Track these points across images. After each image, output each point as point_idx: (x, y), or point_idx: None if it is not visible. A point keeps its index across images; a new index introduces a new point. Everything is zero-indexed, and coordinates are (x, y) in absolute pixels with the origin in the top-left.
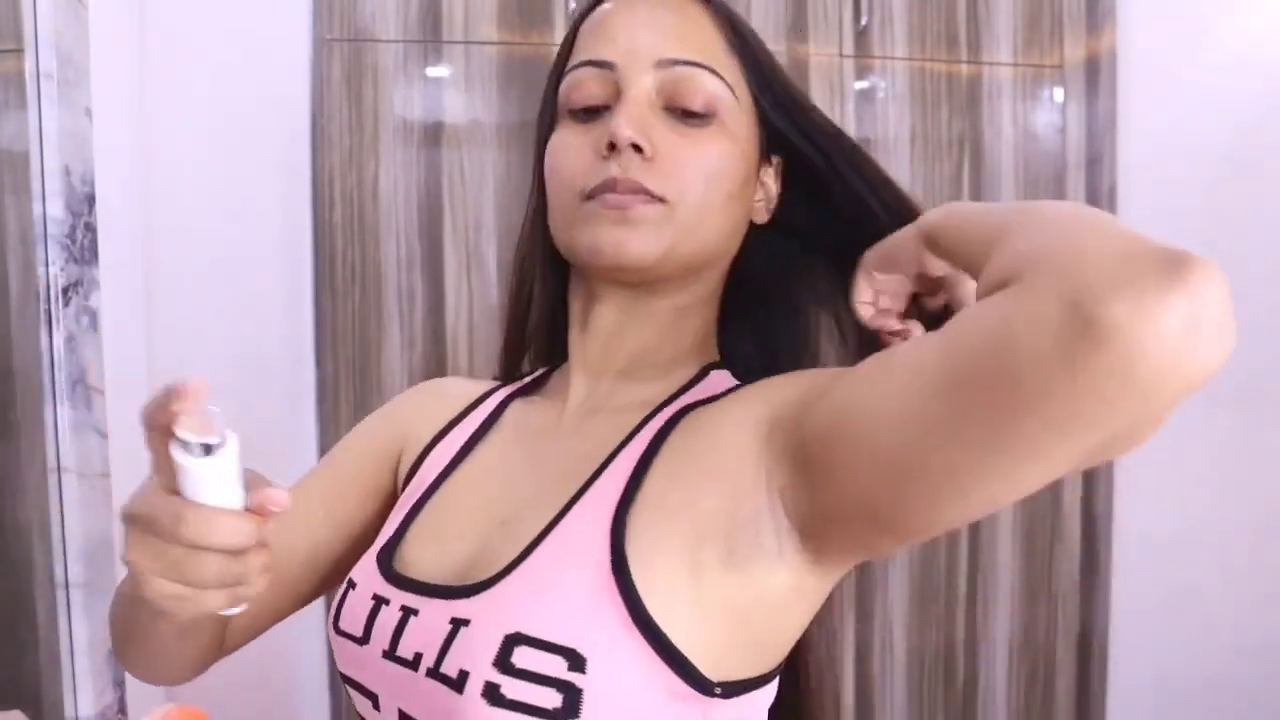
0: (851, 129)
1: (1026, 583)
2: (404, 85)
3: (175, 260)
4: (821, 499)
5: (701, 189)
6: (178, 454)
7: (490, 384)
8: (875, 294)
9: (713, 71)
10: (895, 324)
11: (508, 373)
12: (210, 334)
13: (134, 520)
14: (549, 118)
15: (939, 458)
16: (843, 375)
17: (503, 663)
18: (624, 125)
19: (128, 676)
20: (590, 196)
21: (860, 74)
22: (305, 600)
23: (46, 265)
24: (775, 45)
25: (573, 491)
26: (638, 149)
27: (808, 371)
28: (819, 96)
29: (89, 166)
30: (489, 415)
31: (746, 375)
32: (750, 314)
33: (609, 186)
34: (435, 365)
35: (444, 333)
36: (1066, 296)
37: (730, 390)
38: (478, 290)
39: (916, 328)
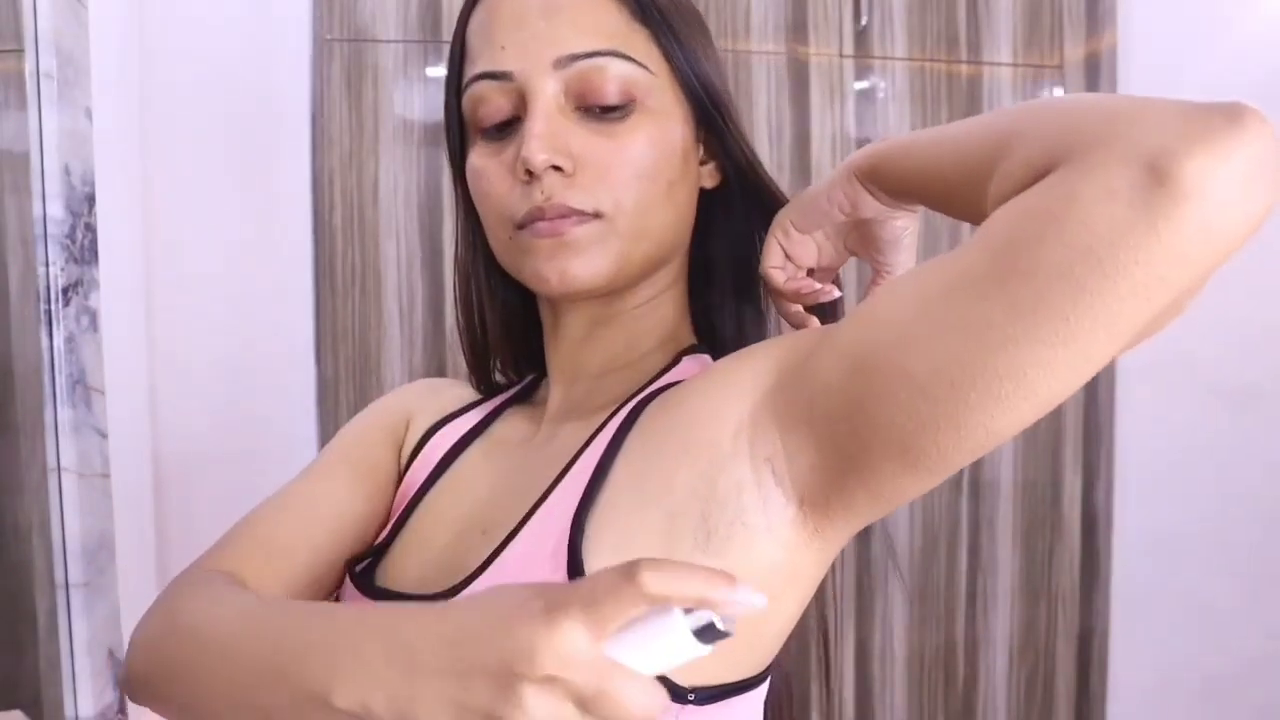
0: (851, 129)
1: (1026, 583)
2: (404, 85)
3: (175, 260)
4: (839, 451)
5: (636, 190)
6: (671, 621)
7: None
8: (786, 256)
9: (618, 55)
10: (813, 285)
11: (484, 386)
12: (210, 334)
13: (581, 619)
14: (458, 134)
15: (1002, 361)
16: (833, 328)
17: None
18: (535, 149)
19: None
20: (521, 226)
21: (860, 74)
22: None
23: (46, 265)
24: (775, 45)
25: (539, 493)
26: (557, 168)
27: (779, 337)
28: (819, 96)
29: (89, 166)
30: (477, 424)
31: (724, 352)
32: (720, 286)
33: (536, 215)
34: (435, 365)
35: (444, 333)
36: (1141, 159)
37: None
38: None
39: (833, 292)
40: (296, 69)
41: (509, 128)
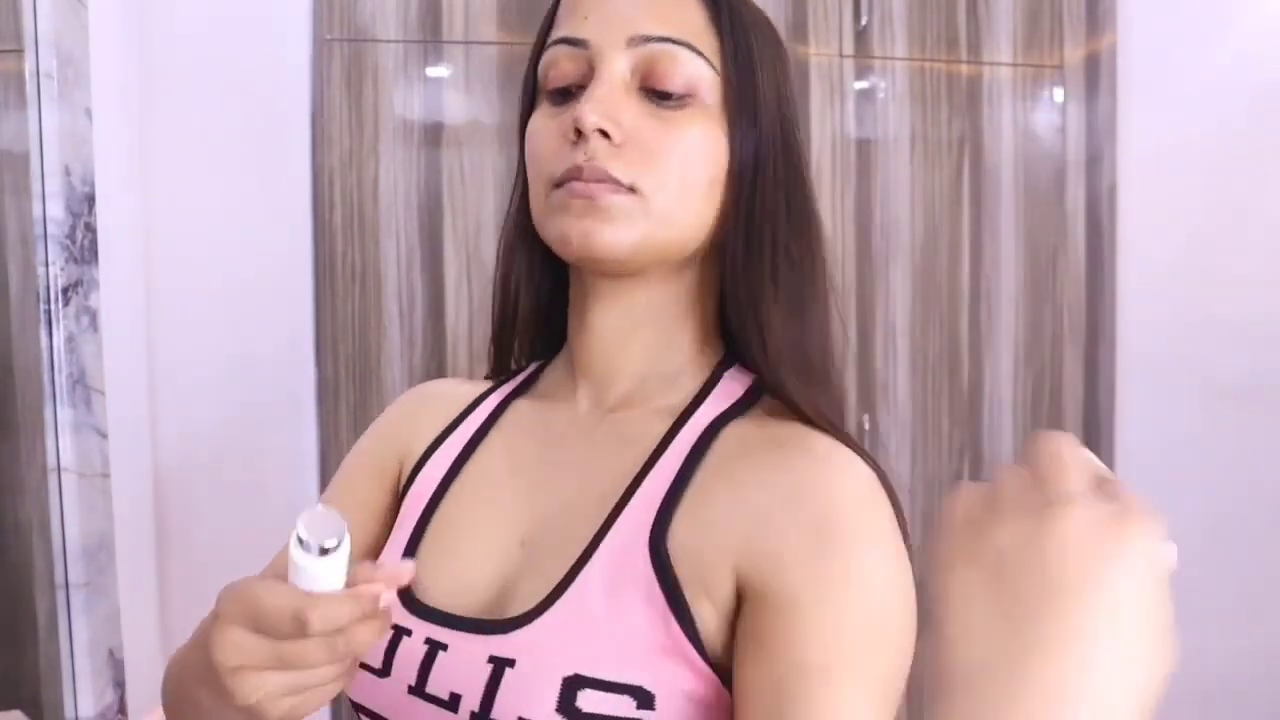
0: (851, 129)
1: None
2: (404, 85)
3: (175, 260)
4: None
5: (677, 177)
6: (295, 551)
7: (483, 385)
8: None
9: (691, 48)
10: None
11: (499, 366)
12: (210, 334)
13: (233, 617)
14: (530, 97)
15: None
16: (790, 665)
17: (567, 708)
18: (589, 110)
19: (128, 676)
20: (559, 184)
21: (860, 74)
22: None
23: (46, 265)
24: None
25: (603, 515)
26: (605, 135)
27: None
28: (819, 96)
29: (89, 166)
30: (486, 418)
31: (757, 367)
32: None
33: (574, 174)
34: (435, 365)
35: (444, 333)
36: None
37: (749, 399)
38: (478, 290)
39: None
40: (296, 69)
41: (571, 95)
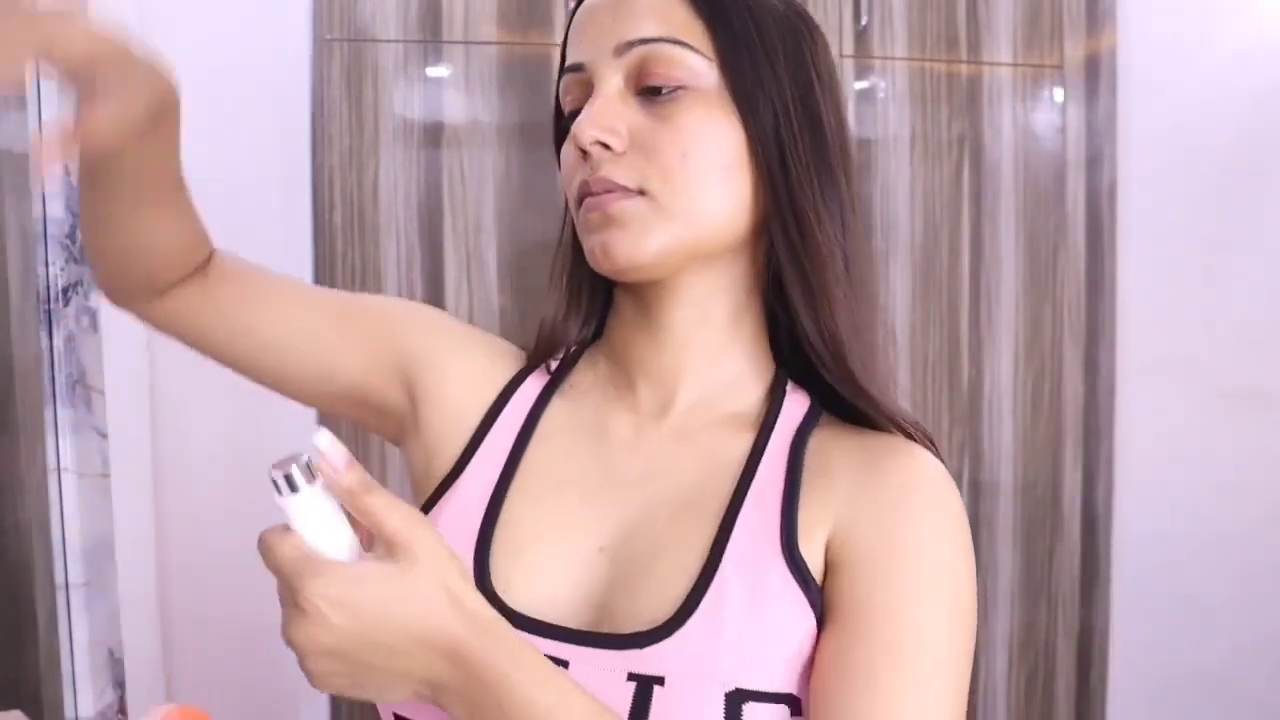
0: (851, 129)
1: (1026, 583)
2: (404, 85)
3: None
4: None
5: (684, 169)
6: (278, 500)
7: (514, 353)
8: None
9: (674, 42)
10: None
11: (543, 356)
12: None
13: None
14: (559, 126)
15: None
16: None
17: None
18: (584, 126)
19: (128, 676)
20: (580, 202)
21: (860, 74)
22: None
23: (46, 265)
24: None
25: (709, 523)
26: (606, 146)
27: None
28: None
29: None
30: (531, 409)
31: (823, 369)
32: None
33: (585, 189)
34: None
35: None
36: None
37: (817, 407)
38: (478, 290)
39: None
40: (296, 69)
41: None
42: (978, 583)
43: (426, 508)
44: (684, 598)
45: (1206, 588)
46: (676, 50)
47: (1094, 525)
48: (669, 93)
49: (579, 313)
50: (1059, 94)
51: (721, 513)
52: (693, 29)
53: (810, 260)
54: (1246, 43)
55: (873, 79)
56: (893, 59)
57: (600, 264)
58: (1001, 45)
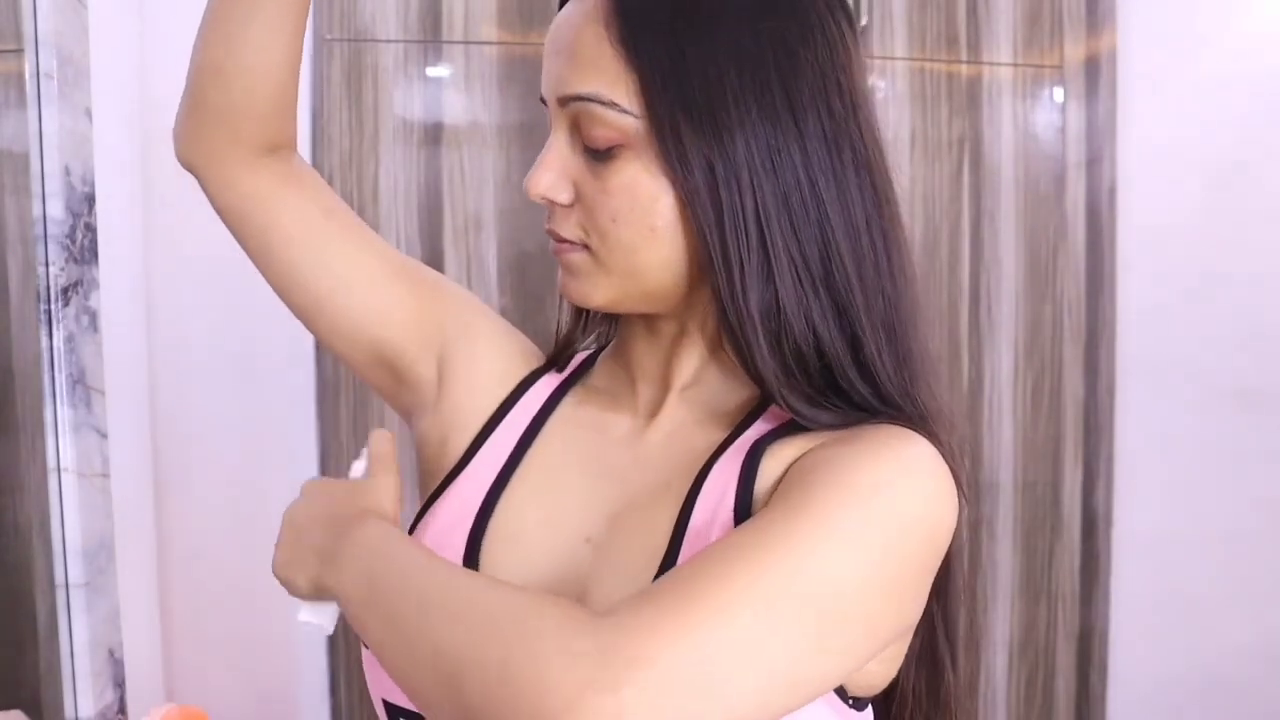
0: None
1: (1026, 583)
2: (404, 85)
3: (175, 260)
4: None
5: (613, 230)
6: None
7: (535, 362)
8: None
9: (600, 101)
10: None
11: (561, 353)
12: (210, 334)
13: None
14: None
15: None
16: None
17: None
18: (532, 180)
19: (128, 676)
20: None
21: None
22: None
23: (46, 265)
24: None
25: (673, 512)
26: (552, 200)
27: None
28: None
29: (89, 166)
30: (543, 405)
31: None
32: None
33: (550, 234)
34: None
35: None
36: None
37: (792, 424)
38: (478, 290)
39: None
40: None
41: None
42: (977, 582)
43: (433, 498)
44: (642, 585)
45: (1206, 588)
46: (604, 111)
47: (1094, 525)
48: (606, 154)
49: (587, 315)
50: (1059, 94)
51: (685, 490)
52: (621, 82)
53: (748, 309)
54: (1247, 43)
55: (872, 78)
56: (893, 59)
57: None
58: (1001, 45)
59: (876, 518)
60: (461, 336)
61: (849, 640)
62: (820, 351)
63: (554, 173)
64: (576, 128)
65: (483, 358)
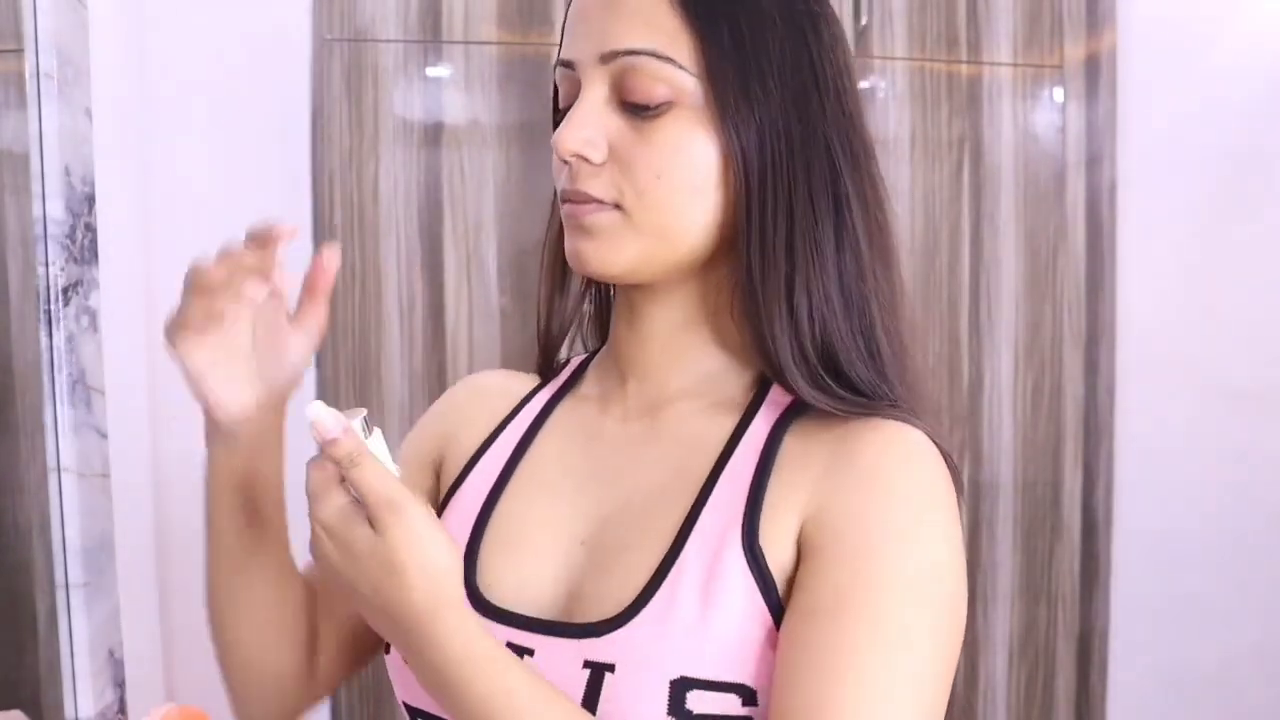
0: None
1: (1026, 583)
2: (404, 85)
3: (175, 260)
4: None
5: (656, 190)
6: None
7: (533, 379)
8: None
9: (656, 55)
10: None
11: (544, 367)
12: None
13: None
14: (557, 115)
15: None
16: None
17: (677, 709)
18: (563, 137)
19: (128, 676)
20: (563, 201)
21: (860, 73)
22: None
23: (46, 265)
24: None
25: (678, 513)
26: (585, 158)
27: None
28: None
29: (89, 166)
30: (537, 416)
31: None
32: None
33: (565, 196)
34: (435, 365)
35: (444, 333)
36: None
37: (796, 408)
38: (478, 290)
39: None
40: (296, 69)
41: None
42: (977, 582)
43: (439, 511)
44: (644, 585)
45: (1206, 588)
46: (658, 65)
47: (1094, 525)
48: (654, 110)
49: (564, 297)
50: (1059, 94)
51: (695, 492)
52: (680, 40)
53: (772, 278)
54: (1246, 43)
55: (873, 79)
56: (893, 59)
57: (575, 268)
58: (1001, 45)
59: (943, 605)
60: (444, 446)
61: (946, 688)
62: (825, 330)
63: (590, 128)
64: (618, 85)
65: (464, 435)
